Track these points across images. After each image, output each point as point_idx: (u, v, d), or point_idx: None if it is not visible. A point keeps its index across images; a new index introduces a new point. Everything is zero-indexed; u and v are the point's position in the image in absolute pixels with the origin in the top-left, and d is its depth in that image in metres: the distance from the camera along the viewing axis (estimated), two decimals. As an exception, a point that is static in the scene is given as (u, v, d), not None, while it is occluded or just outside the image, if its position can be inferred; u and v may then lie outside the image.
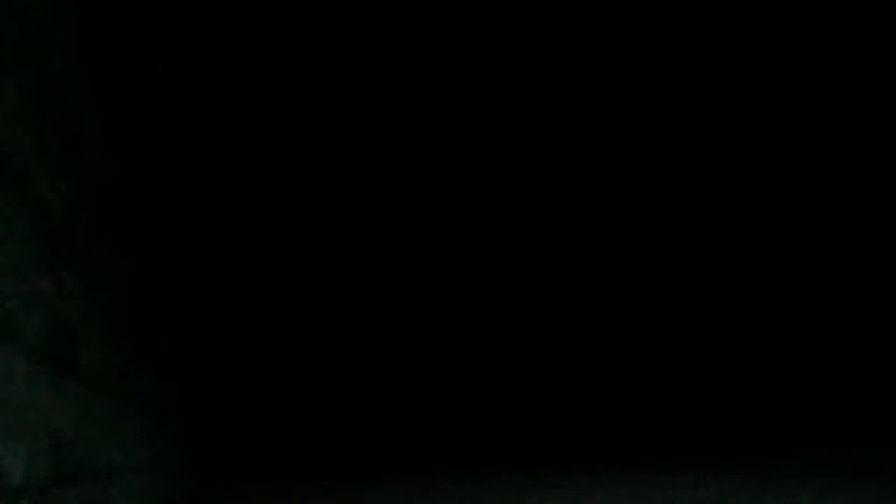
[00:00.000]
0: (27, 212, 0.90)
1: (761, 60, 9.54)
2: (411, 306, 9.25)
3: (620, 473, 5.45)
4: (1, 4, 0.79)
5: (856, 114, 9.62)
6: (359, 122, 9.09)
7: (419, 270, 9.30)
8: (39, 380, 0.96)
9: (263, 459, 8.32)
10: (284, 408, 8.52)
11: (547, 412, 9.75)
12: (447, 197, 9.27)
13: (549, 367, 9.82)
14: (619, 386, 9.99)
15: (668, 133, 9.77)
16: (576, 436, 9.84)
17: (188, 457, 4.15)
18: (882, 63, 9.31)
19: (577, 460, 7.85)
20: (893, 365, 9.66)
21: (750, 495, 3.37)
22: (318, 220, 8.89)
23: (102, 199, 1.49)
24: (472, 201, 9.39)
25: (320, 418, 8.76)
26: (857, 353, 9.80)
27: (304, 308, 8.88)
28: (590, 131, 9.65)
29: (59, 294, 1.09)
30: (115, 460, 1.60)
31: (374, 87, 8.99)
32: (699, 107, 9.74)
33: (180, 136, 3.66)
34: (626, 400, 10.00)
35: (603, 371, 9.98)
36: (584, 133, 9.66)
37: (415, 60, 9.04)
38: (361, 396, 8.92)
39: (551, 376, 9.84)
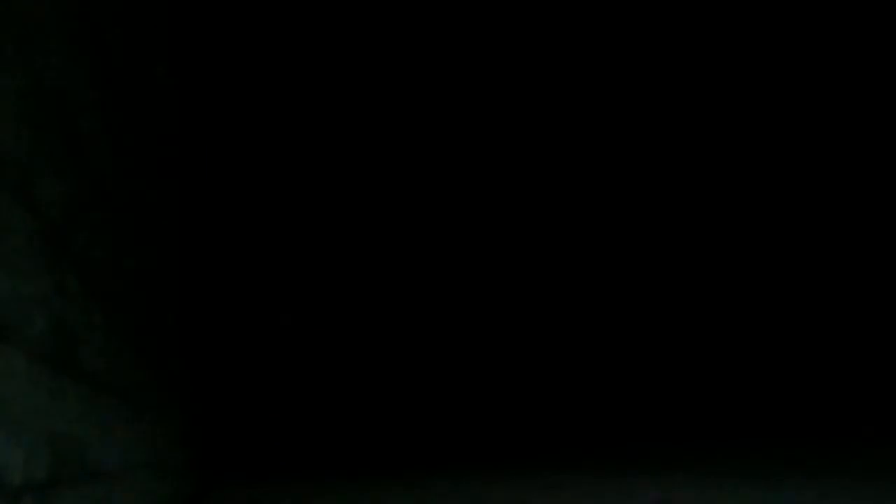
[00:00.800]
0: (28, 212, 0.90)
1: (761, 60, 9.54)
2: (413, 307, 9.25)
3: (623, 474, 5.45)
4: (1, 4, 0.78)
5: (856, 114, 9.61)
6: (359, 122, 9.08)
7: (422, 270, 9.30)
8: (39, 380, 0.96)
9: (264, 460, 8.32)
10: (285, 408, 8.52)
11: (548, 413, 9.75)
12: (449, 197, 9.27)
13: (550, 369, 9.82)
14: (622, 387, 9.99)
15: (668, 133, 9.76)
16: (577, 437, 9.84)
17: (188, 457, 4.16)
18: (882, 63, 9.31)
19: (580, 461, 7.85)
20: (894, 365, 9.66)
21: (752, 495, 3.37)
22: (319, 221, 8.89)
23: (103, 199, 1.48)
24: (473, 202, 9.38)
25: (320, 419, 8.76)
26: (858, 353, 9.80)
27: (305, 309, 8.88)
28: (590, 131, 9.65)
29: (60, 294, 1.09)
30: (116, 461, 1.60)
31: (374, 87, 8.98)
32: (699, 107, 9.73)
33: (181, 136, 3.66)
34: (627, 401, 10.00)
35: (605, 373, 9.98)
36: (585, 133, 9.66)
37: (416, 59, 9.04)
38: (362, 397, 8.92)
39: (552, 378, 9.83)
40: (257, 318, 8.40)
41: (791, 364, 9.96)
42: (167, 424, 2.82)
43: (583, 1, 9.38)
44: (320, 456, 8.64)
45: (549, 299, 9.74)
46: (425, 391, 9.14)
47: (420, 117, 9.20)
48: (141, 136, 2.10)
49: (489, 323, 9.55)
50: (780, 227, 9.92)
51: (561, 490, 4.23)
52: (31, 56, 0.94)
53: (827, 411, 9.88)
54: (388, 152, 9.04)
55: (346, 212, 8.97)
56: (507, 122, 9.40)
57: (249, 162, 8.40)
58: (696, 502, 3.23)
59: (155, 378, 2.42)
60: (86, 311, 1.30)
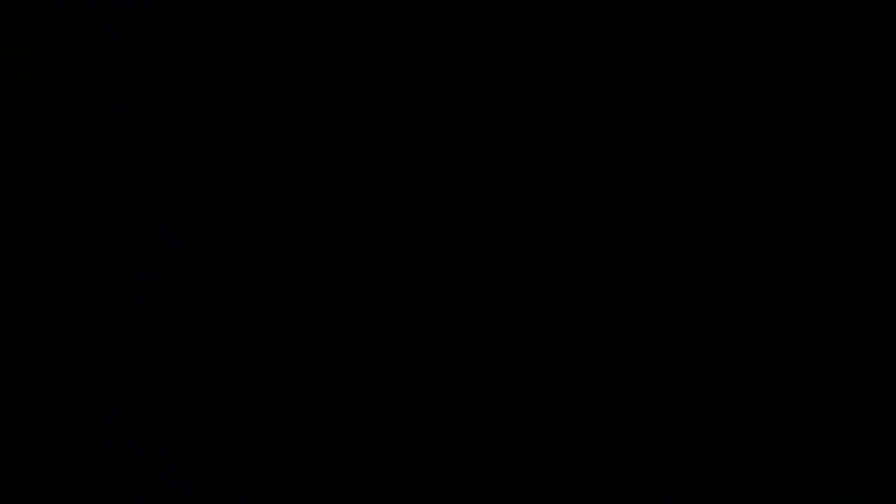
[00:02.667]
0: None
1: (761, 59, 9.51)
2: (409, 304, 9.21)
3: (621, 476, 5.42)
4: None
5: (856, 113, 9.58)
6: (358, 120, 9.05)
7: (419, 268, 9.26)
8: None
9: (264, 461, 8.28)
10: (283, 409, 8.49)
11: (543, 412, 9.72)
12: (444, 194, 9.23)
13: (546, 367, 9.78)
14: (620, 386, 9.97)
15: (667, 131, 9.73)
16: (574, 436, 9.82)
17: (187, 457, 4.14)
18: (882, 63, 9.28)
19: (577, 461, 7.83)
20: (893, 365, 9.65)
21: (753, 495, 3.36)
22: (318, 220, 8.85)
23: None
24: (470, 199, 9.35)
25: (320, 420, 8.73)
26: (858, 353, 9.78)
27: (304, 307, 8.84)
28: (589, 129, 9.61)
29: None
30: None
31: (373, 85, 8.95)
32: (699, 105, 9.70)
33: (182, 133, 3.64)
34: (624, 401, 9.98)
35: (604, 371, 9.95)
36: (584, 130, 9.62)
37: (414, 56, 8.99)
38: (361, 397, 8.89)
39: (549, 376, 9.80)
40: (257, 317, 8.38)
41: (790, 363, 9.94)
42: (165, 425, 2.80)
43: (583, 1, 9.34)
44: (321, 458, 8.63)
45: (543, 299, 9.71)
46: (424, 393, 9.11)
47: (416, 114, 9.16)
48: (140, 134, 2.08)
49: (485, 322, 9.52)
50: (780, 227, 9.90)
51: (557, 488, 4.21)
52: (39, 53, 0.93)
53: (826, 411, 9.87)
54: (388, 148, 9.00)
55: (344, 211, 8.93)
56: (505, 121, 9.37)
57: (249, 157, 8.37)
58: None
59: (154, 379, 2.41)
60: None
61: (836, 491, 2.07)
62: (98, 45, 1.55)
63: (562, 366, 1.93)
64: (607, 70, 2.05)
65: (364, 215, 1.93)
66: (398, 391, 1.97)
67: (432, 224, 2.00)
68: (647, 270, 1.95)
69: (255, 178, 1.88)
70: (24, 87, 1.44)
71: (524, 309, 1.97)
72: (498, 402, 1.95)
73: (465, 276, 1.96)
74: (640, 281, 1.93)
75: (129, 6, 1.62)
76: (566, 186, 1.91)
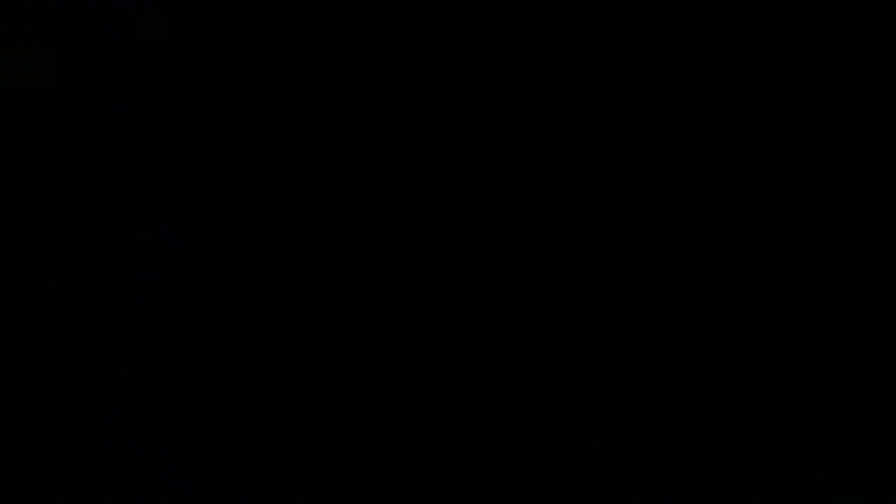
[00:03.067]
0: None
1: (762, 59, 9.50)
2: (409, 305, 9.21)
3: (619, 477, 5.42)
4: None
5: (856, 113, 9.58)
6: (358, 121, 9.05)
7: (418, 268, 9.26)
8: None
9: (264, 461, 8.28)
10: (283, 409, 8.49)
11: (544, 412, 9.71)
12: (444, 194, 9.23)
13: (546, 368, 9.78)
14: (620, 386, 9.96)
15: (667, 131, 9.73)
16: (574, 436, 9.81)
17: (187, 457, 4.13)
18: (883, 63, 9.27)
19: (577, 461, 7.82)
20: (893, 365, 9.63)
21: (753, 495, 3.35)
22: (318, 220, 8.85)
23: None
24: (469, 199, 9.34)
25: (320, 420, 8.73)
26: (858, 353, 9.77)
27: (304, 307, 8.85)
28: (589, 129, 9.61)
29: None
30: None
31: (373, 85, 8.95)
32: (699, 105, 9.70)
33: (182, 133, 3.64)
34: (624, 401, 9.97)
35: (603, 371, 9.94)
36: (584, 131, 9.62)
37: (413, 55, 8.99)
38: (360, 397, 8.89)
39: (549, 376, 9.80)
40: (256, 316, 8.37)
41: (789, 362, 9.93)
42: (163, 426, 2.80)
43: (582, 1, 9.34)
44: (320, 458, 8.62)
45: (540, 298, 9.70)
46: (424, 393, 9.10)
47: (414, 112, 9.15)
48: (140, 134, 2.08)
49: (482, 319, 9.51)
50: (779, 227, 9.89)
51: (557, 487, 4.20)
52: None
53: (824, 410, 9.85)
54: (387, 146, 9.00)
55: (343, 208, 8.93)
56: (505, 120, 9.37)
57: (248, 155, 8.37)
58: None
59: (152, 379, 2.40)
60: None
61: (836, 491, 2.07)
62: (98, 45, 1.55)
63: (561, 366, 1.93)
64: (607, 70, 2.05)
65: (364, 215, 1.93)
66: (398, 391, 1.97)
67: (432, 224, 2.00)
68: (647, 270, 1.95)
69: (254, 179, 1.88)
70: (24, 87, 1.45)
71: (524, 309, 1.97)
72: (498, 402, 1.95)
73: (465, 276, 1.95)
74: (639, 281, 1.93)
75: (129, 6, 1.62)
76: (566, 186, 1.91)
